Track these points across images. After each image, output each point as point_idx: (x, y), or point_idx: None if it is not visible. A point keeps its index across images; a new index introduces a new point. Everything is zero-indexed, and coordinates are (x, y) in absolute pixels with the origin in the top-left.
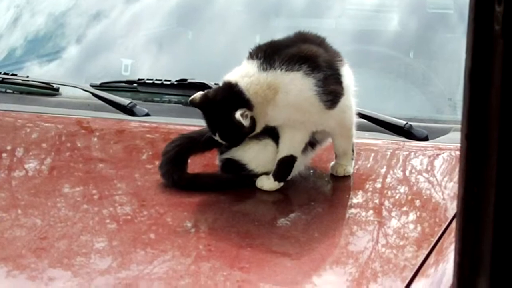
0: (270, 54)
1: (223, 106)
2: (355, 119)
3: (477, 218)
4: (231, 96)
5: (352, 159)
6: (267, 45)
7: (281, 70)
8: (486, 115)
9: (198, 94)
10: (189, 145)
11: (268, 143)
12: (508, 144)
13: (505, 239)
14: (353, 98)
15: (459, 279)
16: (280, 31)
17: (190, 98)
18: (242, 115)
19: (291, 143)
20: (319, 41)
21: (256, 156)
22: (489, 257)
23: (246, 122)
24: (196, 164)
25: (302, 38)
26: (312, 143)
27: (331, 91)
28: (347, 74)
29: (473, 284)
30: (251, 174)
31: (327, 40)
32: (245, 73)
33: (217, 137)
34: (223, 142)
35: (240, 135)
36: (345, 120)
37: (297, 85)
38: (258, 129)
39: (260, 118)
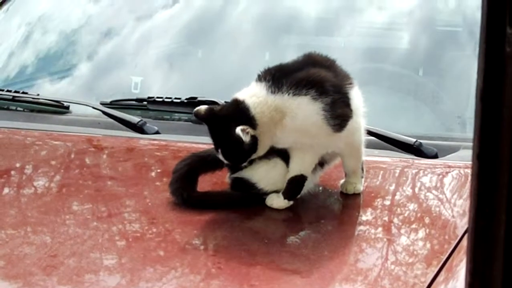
0: (278, 78)
1: (227, 120)
2: (364, 139)
3: (488, 238)
4: (236, 111)
5: (362, 177)
6: (275, 68)
7: (289, 94)
8: (497, 135)
9: (204, 107)
10: (199, 163)
11: (277, 162)
12: None
13: None
14: (362, 119)
15: None
16: (289, 49)
17: (195, 109)
18: (243, 130)
19: (301, 163)
20: (329, 64)
21: (265, 175)
22: (501, 277)
23: (246, 138)
24: (206, 182)
25: (311, 61)
26: (321, 163)
27: (338, 115)
28: (356, 97)
29: None
30: (260, 192)
31: (337, 62)
32: (253, 93)
33: (219, 154)
34: (225, 161)
35: (241, 153)
36: (354, 141)
37: (304, 109)
38: (262, 151)
39: (265, 139)
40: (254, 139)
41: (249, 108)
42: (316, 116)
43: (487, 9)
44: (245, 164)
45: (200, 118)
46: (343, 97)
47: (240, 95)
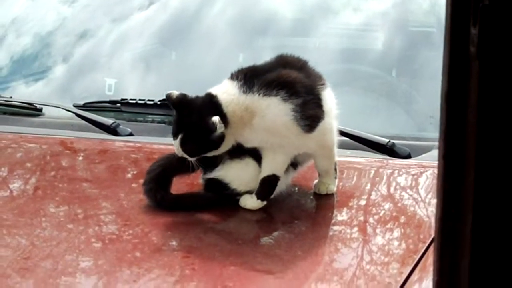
0: (250, 78)
1: (199, 110)
2: (337, 140)
3: (455, 238)
4: (210, 104)
5: (335, 177)
6: (248, 68)
7: (259, 94)
8: (462, 135)
9: (176, 92)
10: (173, 165)
11: (249, 162)
12: (484, 165)
13: (482, 259)
14: (334, 120)
15: None
16: (264, 50)
17: (168, 92)
18: (219, 121)
19: (273, 163)
20: (300, 65)
21: (238, 175)
22: (467, 276)
23: (219, 130)
24: (180, 183)
25: (283, 62)
26: (294, 164)
27: (309, 116)
28: (329, 98)
29: None
30: (234, 193)
31: (309, 63)
32: (225, 90)
33: (177, 140)
34: (180, 149)
35: (203, 143)
36: (325, 142)
37: (274, 110)
38: (223, 149)
39: (230, 139)
40: (222, 137)
41: (221, 105)
42: (285, 116)
43: (451, 9)
44: (195, 159)
45: (171, 102)
46: (314, 98)
47: (213, 91)
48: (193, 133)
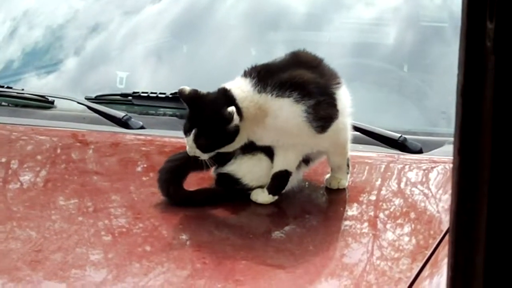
0: (263, 77)
1: (213, 103)
2: (350, 137)
3: (470, 233)
4: (224, 98)
5: (347, 173)
6: (262, 66)
7: (272, 95)
8: (478, 130)
9: (188, 87)
10: (190, 161)
11: (262, 157)
12: (500, 159)
13: (498, 254)
14: (349, 119)
15: None
16: (275, 44)
17: (180, 88)
18: (233, 111)
19: (285, 159)
20: (316, 64)
21: (250, 170)
22: (482, 272)
23: (234, 122)
24: (191, 176)
25: (297, 61)
26: (306, 160)
27: (321, 117)
28: (343, 97)
29: None
30: (245, 188)
31: (324, 61)
32: (239, 86)
33: (190, 136)
34: (193, 145)
35: (217, 138)
36: (338, 140)
37: (286, 111)
38: (237, 144)
39: (244, 134)
40: (237, 129)
41: (236, 99)
42: (297, 118)
43: (467, 3)
44: (211, 155)
45: (183, 98)
46: (328, 98)
47: (227, 85)
48: (207, 126)
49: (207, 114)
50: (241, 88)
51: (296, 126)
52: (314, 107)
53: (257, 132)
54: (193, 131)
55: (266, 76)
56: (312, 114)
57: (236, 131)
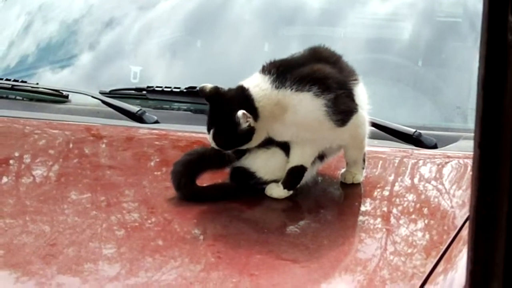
0: (282, 72)
1: (231, 103)
2: (368, 131)
3: (490, 226)
4: (241, 98)
5: (363, 168)
6: (280, 62)
7: (291, 90)
8: (499, 123)
9: (210, 85)
10: (207, 159)
11: (277, 151)
12: None
13: None
14: (366, 114)
15: (471, 287)
16: (290, 40)
17: (201, 85)
18: (244, 115)
19: (302, 154)
20: (334, 59)
21: (264, 164)
22: (502, 265)
23: (244, 124)
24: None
25: (316, 56)
26: (321, 156)
27: (341, 110)
28: (361, 93)
29: None
30: (260, 182)
31: (343, 58)
32: (257, 84)
33: (210, 135)
34: (213, 143)
35: (233, 138)
36: (357, 134)
37: (306, 106)
38: (255, 143)
39: (262, 132)
40: (252, 130)
41: (254, 99)
42: (318, 112)
43: None
44: (232, 152)
45: (204, 95)
46: (346, 91)
47: (245, 84)
48: (223, 127)
49: (224, 115)
50: (260, 86)
51: (316, 120)
52: (334, 101)
53: (276, 129)
54: (212, 130)
55: (285, 71)
56: (332, 108)
57: (250, 132)
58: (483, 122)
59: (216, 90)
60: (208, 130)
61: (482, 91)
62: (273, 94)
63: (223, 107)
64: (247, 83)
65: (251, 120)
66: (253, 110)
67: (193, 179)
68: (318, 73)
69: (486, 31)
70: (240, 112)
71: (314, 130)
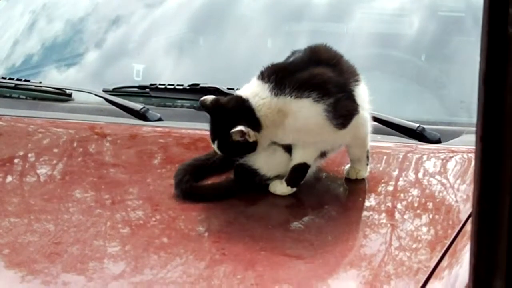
0: (281, 78)
1: (231, 116)
2: (370, 130)
3: (493, 220)
4: (241, 111)
5: (367, 164)
6: (278, 67)
7: (291, 96)
8: (501, 117)
9: (210, 97)
10: (213, 165)
11: (277, 148)
12: None
13: None
14: (368, 114)
15: (474, 281)
16: (295, 36)
17: (202, 98)
18: (241, 132)
19: (304, 153)
20: (335, 61)
21: (266, 161)
22: (505, 259)
23: (236, 138)
24: None
25: (315, 58)
26: (322, 153)
27: (342, 114)
28: (362, 93)
29: (489, 287)
30: (263, 178)
31: (344, 58)
32: (257, 93)
33: (215, 145)
34: (219, 152)
35: (238, 149)
36: (359, 134)
37: (306, 112)
38: (261, 149)
39: (265, 141)
40: (255, 142)
41: (254, 110)
42: (318, 117)
43: None
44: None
45: (205, 108)
46: (348, 94)
47: (243, 93)
48: (227, 139)
49: (226, 127)
50: (259, 95)
51: (317, 125)
52: (334, 105)
53: (278, 134)
54: (216, 142)
55: (284, 77)
56: (332, 113)
57: (250, 143)
58: (484, 115)
59: (217, 102)
60: (213, 141)
61: (484, 85)
62: (273, 102)
63: (225, 119)
64: (246, 92)
65: (251, 133)
66: (255, 121)
67: (196, 179)
68: (317, 79)
69: (486, 24)
70: (236, 129)
71: (315, 134)
